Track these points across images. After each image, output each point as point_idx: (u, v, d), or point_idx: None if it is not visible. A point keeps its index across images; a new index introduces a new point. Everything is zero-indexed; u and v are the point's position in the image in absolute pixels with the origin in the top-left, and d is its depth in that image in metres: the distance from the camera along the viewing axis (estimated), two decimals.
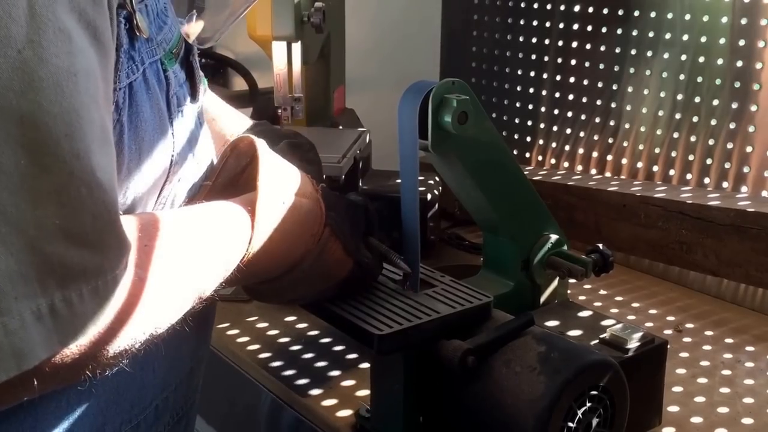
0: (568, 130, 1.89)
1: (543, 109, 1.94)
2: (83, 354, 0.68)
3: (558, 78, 1.90)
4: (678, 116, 1.69)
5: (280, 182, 0.96)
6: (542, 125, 1.94)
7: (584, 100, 1.85)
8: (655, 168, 1.73)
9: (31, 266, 0.61)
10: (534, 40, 1.93)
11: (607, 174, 1.82)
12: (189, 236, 0.84)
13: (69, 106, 0.63)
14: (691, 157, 1.67)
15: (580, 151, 1.87)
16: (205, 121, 0.98)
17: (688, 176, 1.68)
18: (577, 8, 1.83)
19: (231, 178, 0.99)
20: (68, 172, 0.63)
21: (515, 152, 1.97)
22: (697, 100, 1.65)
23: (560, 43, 1.88)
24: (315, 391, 1.28)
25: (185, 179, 0.90)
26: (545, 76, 1.92)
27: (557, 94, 1.90)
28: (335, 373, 1.33)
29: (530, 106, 1.96)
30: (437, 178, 1.71)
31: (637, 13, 1.73)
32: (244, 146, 0.98)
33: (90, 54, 0.67)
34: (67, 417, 0.81)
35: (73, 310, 0.64)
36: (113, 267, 0.67)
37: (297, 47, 1.72)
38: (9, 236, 0.60)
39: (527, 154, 1.98)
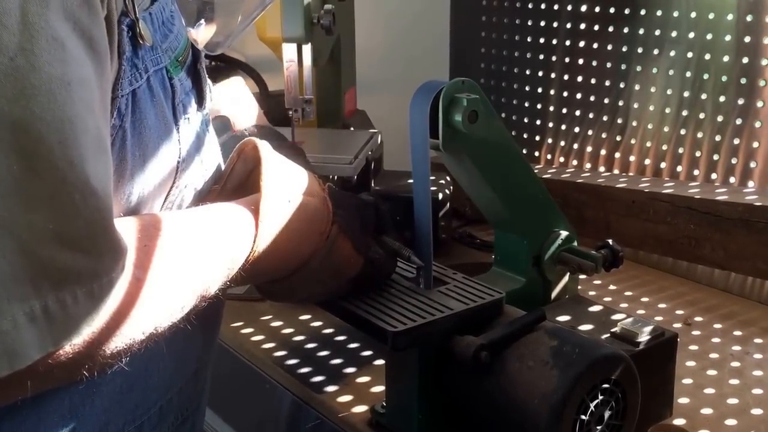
0: (577, 129, 1.90)
1: (551, 108, 1.95)
2: (78, 354, 0.68)
3: (566, 77, 1.91)
4: (685, 113, 1.70)
5: (285, 182, 0.96)
6: (551, 124, 1.95)
7: (592, 98, 1.86)
8: (663, 164, 1.75)
9: (24, 269, 0.61)
10: (542, 40, 1.94)
11: (616, 171, 1.83)
12: (191, 236, 0.85)
13: (62, 114, 0.63)
14: (698, 153, 1.69)
15: (589, 149, 1.88)
16: (211, 125, 0.98)
17: (696, 172, 1.69)
18: (583, 8, 1.85)
19: (239, 183, 0.99)
20: (61, 179, 0.63)
21: (524, 151, 1.98)
22: (704, 96, 1.66)
23: (567, 42, 1.89)
24: (330, 388, 1.29)
25: (192, 184, 0.91)
26: (553, 75, 1.93)
27: (565, 93, 1.91)
28: (350, 369, 1.34)
29: (539, 106, 1.98)
30: (448, 178, 1.72)
31: (643, 12, 1.74)
32: (250, 150, 0.98)
33: (85, 63, 0.66)
34: (70, 416, 0.81)
35: (66, 311, 0.64)
36: (108, 271, 0.67)
37: (307, 49, 1.72)
38: (1, 239, 0.60)
39: (536, 153, 1.99)
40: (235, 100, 1.22)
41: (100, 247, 0.67)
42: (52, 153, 0.62)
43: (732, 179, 1.64)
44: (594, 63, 1.85)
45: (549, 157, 1.97)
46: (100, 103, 0.69)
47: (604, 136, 1.85)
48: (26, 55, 0.62)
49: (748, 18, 1.57)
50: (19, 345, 0.62)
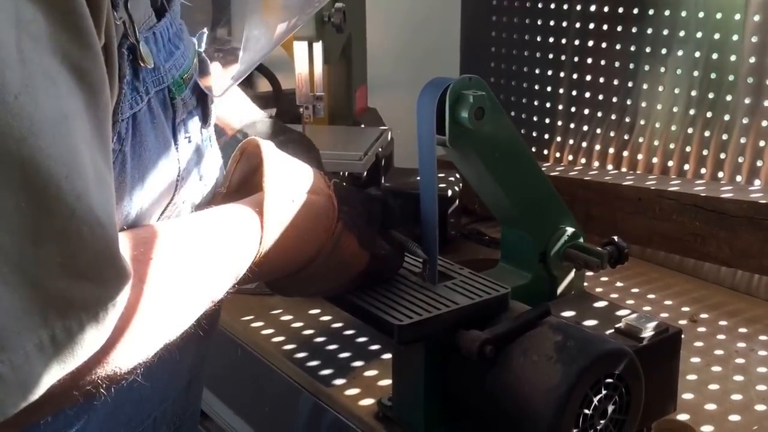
0: (585, 127, 1.91)
1: (560, 107, 1.96)
2: (83, 374, 0.68)
3: (575, 76, 1.92)
4: (692, 112, 1.71)
5: (288, 181, 0.96)
6: (560, 123, 1.97)
7: (600, 97, 1.87)
8: (671, 163, 1.76)
9: (33, 301, 0.61)
10: (551, 39, 1.95)
11: (624, 169, 1.85)
12: (193, 242, 0.84)
13: (65, 147, 0.62)
14: (705, 152, 1.69)
15: (597, 147, 1.89)
16: (215, 142, 0.98)
17: (703, 170, 1.70)
18: (593, 8, 1.86)
19: (242, 182, 0.99)
20: (69, 214, 0.62)
21: (534, 149, 1.99)
22: (711, 96, 1.67)
23: (577, 42, 1.90)
24: (338, 381, 1.30)
25: (190, 199, 0.90)
26: (562, 74, 1.94)
27: (574, 92, 1.93)
28: (358, 363, 1.35)
29: (548, 105, 1.99)
30: (458, 175, 1.74)
31: (651, 12, 1.75)
32: (252, 148, 0.98)
33: (75, 95, 0.65)
34: (64, 430, 0.81)
35: (72, 337, 0.63)
36: (113, 296, 0.67)
37: (318, 47, 1.73)
38: (11, 276, 0.59)
39: (545, 151, 2.00)
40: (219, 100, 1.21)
41: (105, 275, 0.66)
42: (60, 189, 0.61)
43: (738, 178, 1.65)
44: (603, 62, 1.86)
45: (558, 155, 1.98)
46: (95, 133, 0.68)
47: (612, 134, 1.86)
48: (29, 92, 0.60)
49: (756, 17, 1.58)
50: (31, 376, 0.61)
